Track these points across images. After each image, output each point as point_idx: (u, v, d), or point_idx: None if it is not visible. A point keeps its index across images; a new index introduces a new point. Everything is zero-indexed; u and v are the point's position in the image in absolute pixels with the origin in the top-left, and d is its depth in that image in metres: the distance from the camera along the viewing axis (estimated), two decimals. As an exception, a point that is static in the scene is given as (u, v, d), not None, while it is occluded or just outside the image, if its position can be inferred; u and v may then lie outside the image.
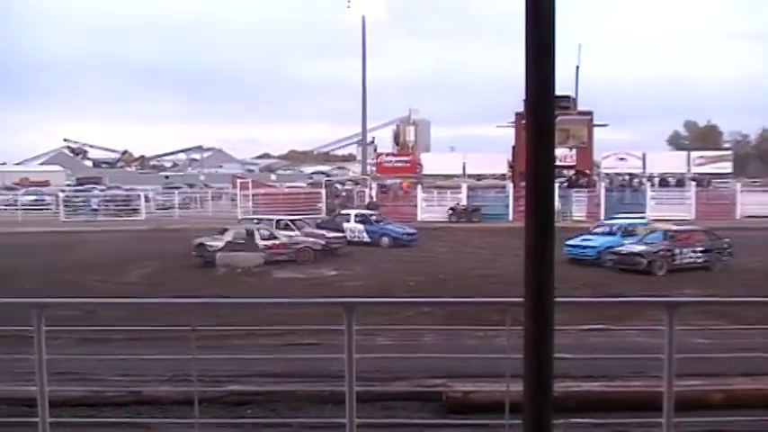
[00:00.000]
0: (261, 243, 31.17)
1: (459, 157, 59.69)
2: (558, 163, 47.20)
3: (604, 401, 9.00)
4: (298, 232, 33.69)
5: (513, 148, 53.45)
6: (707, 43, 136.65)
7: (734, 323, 14.05)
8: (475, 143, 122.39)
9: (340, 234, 35.77)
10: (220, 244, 30.76)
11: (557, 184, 44.70)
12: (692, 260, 28.58)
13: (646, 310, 10.69)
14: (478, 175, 59.08)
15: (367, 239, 37.04)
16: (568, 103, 53.24)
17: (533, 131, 2.33)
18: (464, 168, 57.48)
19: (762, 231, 38.43)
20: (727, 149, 71.95)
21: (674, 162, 59.16)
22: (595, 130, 54.98)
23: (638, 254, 28.32)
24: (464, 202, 49.97)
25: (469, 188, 52.77)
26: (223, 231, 32.07)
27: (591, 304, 10.25)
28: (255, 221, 35.76)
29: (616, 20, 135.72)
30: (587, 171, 54.16)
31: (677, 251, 28.62)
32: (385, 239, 36.70)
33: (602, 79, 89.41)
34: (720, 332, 13.43)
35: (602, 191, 50.54)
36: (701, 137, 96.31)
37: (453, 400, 9.28)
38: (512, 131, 53.45)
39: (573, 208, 48.03)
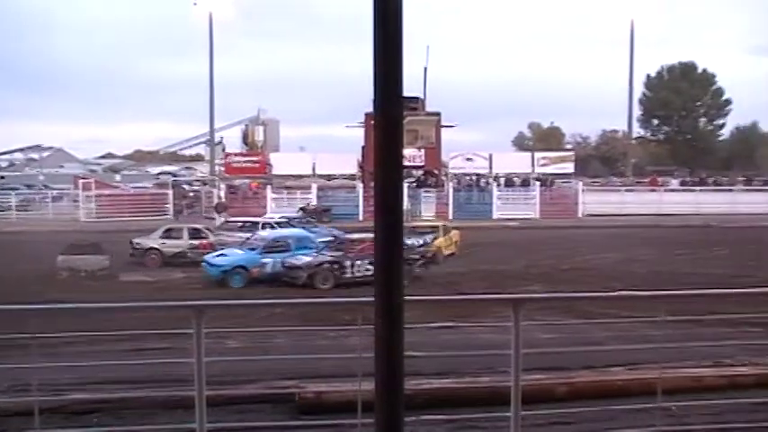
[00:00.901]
0: (188, 242, 31.22)
1: (308, 158, 59.51)
2: (406, 163, 47.91)
3: (454, 397, 9.14)
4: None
5: (363, 148, 53.77)
6: (550, 46, 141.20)
7: (576, 318, 14.55)
8: (325, 143, 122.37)
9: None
10: (150, 243, 31.21)
11: (406, 184, 45.41)
12: (370, 272, 26.80)
13: (492, 306, 10.93)
14: (328, 176, 59.17)
15: None
16: (417, 103, 53.95)
17: (381, 131, 2.34)
18: (314, 168, 57.39)
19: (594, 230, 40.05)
20: (569, 150, 74.48)
21: (519, 162, 60.83)
22: (443, 130, 55.84)
23: (299, 267, 26.25)
24: (314, 203, 50.05)
25: (319, 188, 52.90)
26: (154, 230, 32.27)
27: (440, 302, 10.42)
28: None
29: (464, 22, 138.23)
30: (436, 171, 55.06)
31: (349, 263, 26.14)
32: None
33: (451, 80, 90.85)
34: (564, 327, 13.88)
35: (450, 191, 51.61)
36: (545, 138, 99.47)
37: (306, 400, 9.23)
38: (361, 131, 53.82)
39: (422, 208, 48.75)
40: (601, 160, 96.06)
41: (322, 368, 10.19)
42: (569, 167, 60.26)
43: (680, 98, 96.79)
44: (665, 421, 6.42)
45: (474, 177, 58.26)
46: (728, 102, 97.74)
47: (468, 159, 57.95)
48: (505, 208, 50.54)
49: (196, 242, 31.23)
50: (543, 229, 41.07)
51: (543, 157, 60.27)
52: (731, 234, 38.42)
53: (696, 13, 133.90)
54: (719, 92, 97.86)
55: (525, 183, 55.61)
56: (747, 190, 58.76)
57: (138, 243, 31.53)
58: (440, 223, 36.81)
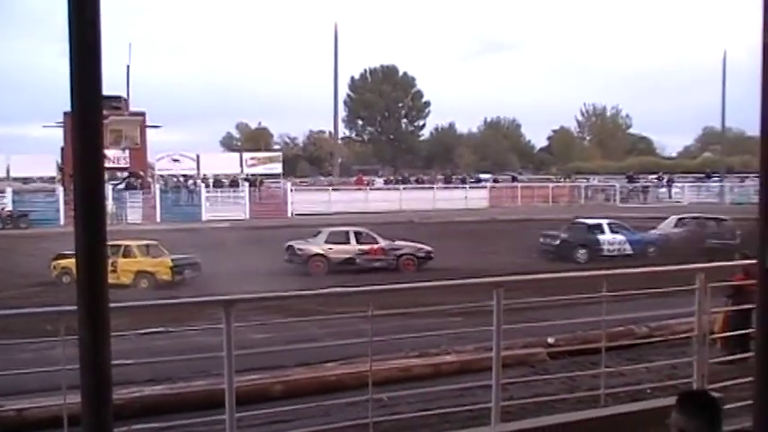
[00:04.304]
0: (356, 247, 29.57)
1: (2, 159, 55.82)
2: (110, 165, 46.35)
3: (168, 404, 8.98)
4: None
5: (63, 149, 51.38)
6: (257, 46, 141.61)
7: (290, 316, 14.69)
8: (20, 144, 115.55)
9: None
10: (315, 248, 29.49)
11: (110, 187, 43.87)
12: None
13: (205, 309, 10.83)
14: (25, 178, 56.10)
15: None
16: (120, 103, 52.28)
17: (80, 132, 2.24)
18: (8, 171, 53.89)
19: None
20: (277, 151, 75.08)
21: (228, 163, 60.52)
22: (149, 131, 54.51)
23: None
24: (9, 208, 47.03)
25: (15, 192, 49.77)
26: (317, 234, 30.26)
27: (149, 307, 10.14)
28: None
29: (167, 19, 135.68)
30: (141, 173, 53.46)
31: None
32: None
33: (155, 79, 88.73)
34: (279, 326, 13.98)
35: (158, 192, 50.33)
36: (253, 138, 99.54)
37: (6, 419, 8.69)
38: (60, 132, 51.15)
39: (128, 211, 47.20)
40: (309, 160, 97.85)
41: (25, 383, 9.62)
42: (277, 168, 60.75)
43: (382, 100, 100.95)
44: (377, 412, 6.64)
45: (181, 179, 57.15)
46: (428, 104, 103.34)
47: (175, 160, 56.76)
48: (215, 209, 50.02)
49: (365, 247, 29.70)
50: (254, 230, 41.12)
51: (252, 158, 60.34)
52: (431, 229, 40.43)
53: (399, 19, 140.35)
54: (419, 94, 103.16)
55: (234, 183, 55.25)
56: (446, 187, 62.04)
57: (300, 249, 29.62)
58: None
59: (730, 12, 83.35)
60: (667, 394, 6.49)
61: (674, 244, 32.07)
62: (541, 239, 33.03)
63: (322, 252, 29.58)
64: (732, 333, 9.31)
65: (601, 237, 32.72)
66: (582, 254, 31.70)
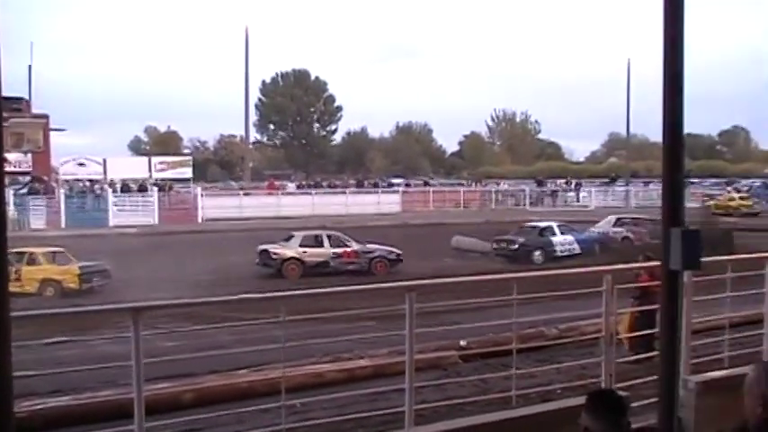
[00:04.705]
0: (330, 251, 29.63)
1: None
2: (11, 168, 45.03)
3: (74, 416, 8.77)
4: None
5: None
6: (166, 48, 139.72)
7: (201, 323, 14.51)
8: None
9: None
10: (289, 252, 29.35)
11: (11, 192, 42.54)
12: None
13: (112, 317, 10.59)
14: None
15: None
16: (21, 104, 50.85)
17: (-22, 133, 2.15)
18: None
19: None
20: (187, 155, 74.14)
21: (136, 167, 59.44)
22: (53, 134, 53.19)
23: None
24: None
25: None
26: (289, 238, 30.06)
27: (53, 316, 9.83)
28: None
29: (75, 20, 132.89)
30: (45, 177, 52.00)
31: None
32: None
33: (61, 81, 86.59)
34: (189, 333, 13.78)
35: (62, 198, 48.85)
36: (162, 142, 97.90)
37: None
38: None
39: (31, 216, 45.67)
40: (219, 165, 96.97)
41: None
42: (188, 172, 60.02)
43: (294, 104, 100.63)
44: (290, 419, 6.59)
45: (87, 183, 55.65)
46: (340, 108, 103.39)
47: (81, 164, 55.48)
48: (123, 215, 48.81)
49: (339, 250, 29.90)
50: (163, 235, 40.43)
51: (161, 162, 59.47)
52: (346, 234, 40.35)
53: (310, 23, 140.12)
54: (331, 99, 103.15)
55: (142, 188, 54.10)
56: (359, 192, 61.97)
57: (275, 253, 29.38)
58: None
59: (634, 22, 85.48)
60: (577, 394, 6.57)
61: (617, 243, 34.12)
62: (495, 245, 33.80)
63: (296, 255, 29.79)
64: (638, 333, 9.49)
65: (553, 238, 34.04)
66: (538, 255, 32.81)
